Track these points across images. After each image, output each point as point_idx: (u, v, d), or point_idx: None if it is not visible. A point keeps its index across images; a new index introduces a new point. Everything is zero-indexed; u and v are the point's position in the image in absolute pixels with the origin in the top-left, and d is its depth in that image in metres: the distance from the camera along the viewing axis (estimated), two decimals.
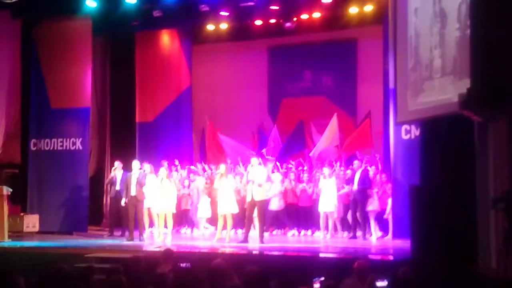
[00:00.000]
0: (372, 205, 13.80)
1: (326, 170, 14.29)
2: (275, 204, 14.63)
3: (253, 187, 12.73)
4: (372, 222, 13.89)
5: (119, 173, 14.66)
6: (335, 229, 14.33)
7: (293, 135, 16.88)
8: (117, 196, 14.57)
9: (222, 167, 13.51)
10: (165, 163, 15.18)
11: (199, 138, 18.16)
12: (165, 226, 13.84)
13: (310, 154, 15.93)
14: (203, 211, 15.09)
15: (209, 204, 14.94)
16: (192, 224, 15.73)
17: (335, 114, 15.78)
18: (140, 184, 13.59)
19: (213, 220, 14.96)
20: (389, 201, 13.60)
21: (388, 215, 13.65)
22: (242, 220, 13.75)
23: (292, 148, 16.72)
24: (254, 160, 13.16)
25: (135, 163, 13.93)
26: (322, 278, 7.06)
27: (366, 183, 13.81)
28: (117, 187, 14.59)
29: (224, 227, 13.38)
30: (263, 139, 16.97)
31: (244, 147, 16.63)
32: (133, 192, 13.63)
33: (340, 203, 14.11)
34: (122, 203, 13.96)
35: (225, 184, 13.25)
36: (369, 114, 15.49)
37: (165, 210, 13.71)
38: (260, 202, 12.82)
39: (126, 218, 14.18)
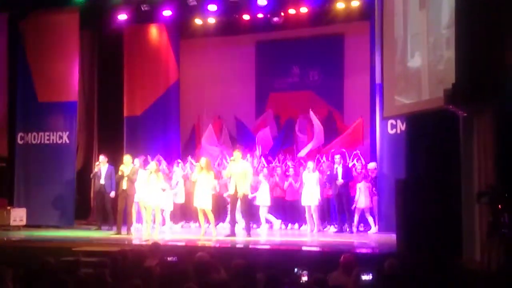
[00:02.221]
0: (359, 203, 13.91)
1: (310, 164, 14.35)
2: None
3: (237, 181, 12.77)
4: (356, 218, 14.00)
5: (103, 167, 14.67)
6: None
7: (283, 131, 17.09)
8: (102, 190, 14.59)
9: (203, 160, 13.48)
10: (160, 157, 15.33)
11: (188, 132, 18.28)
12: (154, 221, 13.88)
13: (299, 155, 16.02)
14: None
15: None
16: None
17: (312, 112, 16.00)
18: (131, 180, 13.59)
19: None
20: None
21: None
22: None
23: (282, 144, 16.92)
24: (237, 154, 13.16)
25: (127, 158, 13.92)
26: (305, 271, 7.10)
27: (349, 176, 13.92)
28: (102, 181, 14.61)
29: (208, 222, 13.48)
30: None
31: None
32: (124, 186, 13.64)
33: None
34: (112, 195, 13.98)
35: (203, 178, 13.23)
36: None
37: (153, 204, 13.72)
38: (244, 196, 12.86)
39: (113, 211, 14.20)
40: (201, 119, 18.28)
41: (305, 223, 14.45)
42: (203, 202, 13.12)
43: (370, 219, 13.89)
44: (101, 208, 14.89)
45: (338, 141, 15.79)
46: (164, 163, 15.67)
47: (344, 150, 15.16)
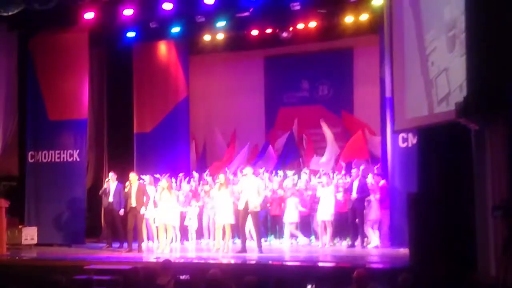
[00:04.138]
0: (371, 215, 13.78)
1: (324, 178, 14.30)
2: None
3: (248, 197, 12.73)
4: (371, 231, 13.85)
5: (112, 185, 14.63)
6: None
7: (286, 145, 17.07)
8: (110, 207, 14.57)
9: (222, 177, 13.51)
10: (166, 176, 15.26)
11: (198, 148, 18.30)
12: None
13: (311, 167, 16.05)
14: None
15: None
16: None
17: (323, 122, 15.95)
18: (141, 198, 13.57)
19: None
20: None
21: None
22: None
23: (286, 158, 16.88)
24: (248, 170, 13.16)
25: (133, 175, 13.93)
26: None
27: (364, 191, 13.80)
28: (110, 199, 14.57)
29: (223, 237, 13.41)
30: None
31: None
32: (133, 203, 13.62)
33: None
34: (121, 213, 14.01)
35: (223, 194, 13.25)
36: (361, 126, 15.74)
37: (165, 222, 13.69)
38: (255, 212, 12.82)
39: (123, 229, 14.18)
40: (211, 135, 18.24)
41: (317, 237, 14.36)
42: (227, 218, 13.11)
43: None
44: (111, 226, 14.87)
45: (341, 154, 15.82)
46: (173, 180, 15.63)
47: (343, 164, 15.18)
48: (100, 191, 15.13)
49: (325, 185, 14.11)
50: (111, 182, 14.67)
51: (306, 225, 14.95)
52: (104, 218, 15.51)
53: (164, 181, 13.81)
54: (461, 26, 8.77)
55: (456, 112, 8.48)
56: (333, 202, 14.00)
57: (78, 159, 15.83)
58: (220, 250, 13.11)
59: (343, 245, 14.18)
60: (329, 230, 14.05)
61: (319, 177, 14.79)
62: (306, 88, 18.11)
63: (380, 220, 13.83)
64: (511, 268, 7.58)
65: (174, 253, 13.25)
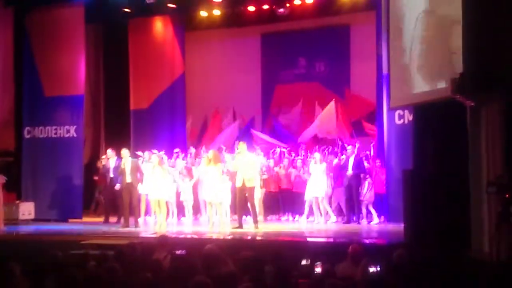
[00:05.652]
0: (367, 195, 13.84)
1: (317, 155, 14.31)
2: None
3: (243, 173, 12.75)
4: (364, 210, 13.96)
5: (112, 161, 14.66)
6: (340, 212, 14.35)
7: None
8: (111, 184, 14.61)
9: (211, 152, 13.44)
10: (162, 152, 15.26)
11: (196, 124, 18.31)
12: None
13: (299, 140, 16.12)
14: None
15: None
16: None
17: (333, 100, 15.98)
18: (136, 173, 13.63)
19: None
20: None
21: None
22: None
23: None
24: (242, 146, 13.14)
25: (125, 151, 13.94)
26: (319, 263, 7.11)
27: (360, 168, 13.86)
28: (111, 175, 14.61)
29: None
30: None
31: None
32: (128, 179, 13.66)
33: (341, 186, 14.13)
34: (116, 187, 14.03)
35: (211, 171, 13.19)
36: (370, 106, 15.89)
37: (158, 197, 13.72)
38: (251, 188, 12.86)
39: (121, 205, 14.24)
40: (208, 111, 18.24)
41: (312, 214, 14.44)
42: (213, 195, 13.11)
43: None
44: (110, 201, 14.92)
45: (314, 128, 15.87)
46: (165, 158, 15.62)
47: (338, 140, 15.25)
48: (101, 167, 15.17)
49: (317, 162, 14.11)
50: (110, 158, 14.68)
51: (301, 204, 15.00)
52: (105, 194, 15.56)
53: (155, 157, 13.79)
54: (460, 3, 8.74)
55: (452, 89, 8.49)
56: (325, 179, 14.04)
57: (75, 135, 15.84)
58: (216, 226, 13.14)
59: (335, 221, 14.24)
60: (322, 206, 14.12)
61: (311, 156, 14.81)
62: (303, 65, 18.10)
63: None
64: (505, 244, 7.65)
65: (170, 229, 13.30)
